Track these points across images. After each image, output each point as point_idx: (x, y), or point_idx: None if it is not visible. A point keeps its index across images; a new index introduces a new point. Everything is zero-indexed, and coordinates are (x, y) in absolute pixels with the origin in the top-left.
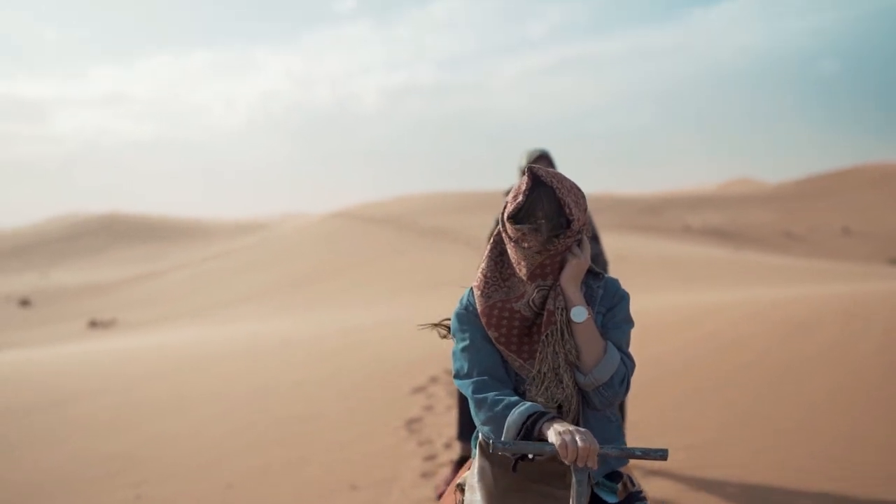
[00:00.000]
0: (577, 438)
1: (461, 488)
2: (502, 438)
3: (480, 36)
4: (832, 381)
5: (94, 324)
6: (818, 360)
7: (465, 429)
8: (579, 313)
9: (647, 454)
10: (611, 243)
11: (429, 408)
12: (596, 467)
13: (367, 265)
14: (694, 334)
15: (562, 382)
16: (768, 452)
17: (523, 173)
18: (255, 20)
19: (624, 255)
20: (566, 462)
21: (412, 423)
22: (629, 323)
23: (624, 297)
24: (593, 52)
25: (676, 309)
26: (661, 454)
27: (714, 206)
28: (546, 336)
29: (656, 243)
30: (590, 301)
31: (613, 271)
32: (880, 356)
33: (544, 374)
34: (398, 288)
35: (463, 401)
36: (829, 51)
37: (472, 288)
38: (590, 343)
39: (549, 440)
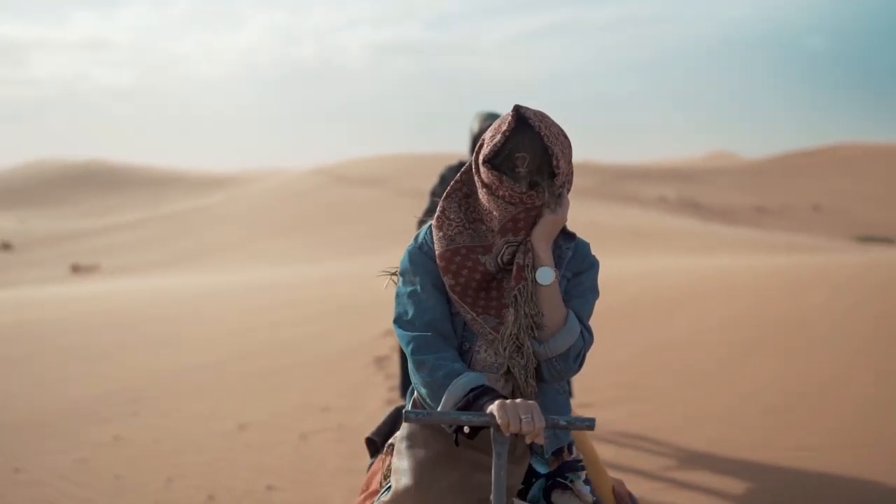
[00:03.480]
0: (521, 414)
1: (391, 449)
2: (439, 409)
3: None
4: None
5: (76, 268)
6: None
7: (407, 386)
8: (546, 275)
9: (573, 424)
10: (585, 210)
11: (396, 348)
12: (542, 442)
13: (344, 222)
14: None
15: (521, 348)
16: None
17: (473, 138)
18: None
19: (596, 221)
20: (506, 434)
21: (380, 361)
22: (595, 293)
23: (594, 265)
24: (581, 18)
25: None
26: (588, 423)
27: (691, 178)
28: (517, 293)
29: (629, 212)
30: (558, 262)
31: (583, 235)
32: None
33: (514, 335)
34: (373, 245)
35: (404, 356)
36: (817, 27)
37: (430, 226)
38: (552, 309)
39: (489, 411)
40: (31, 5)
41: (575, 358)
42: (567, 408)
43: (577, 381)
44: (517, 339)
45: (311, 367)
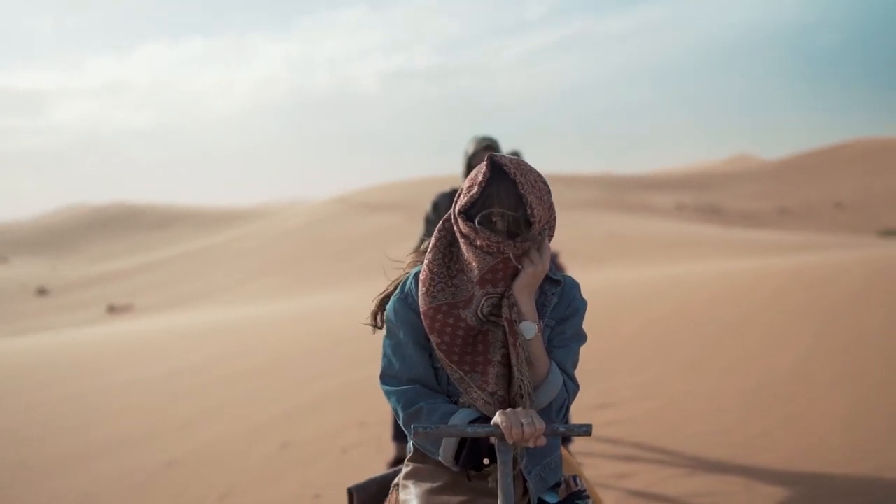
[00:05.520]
0: (522, 418)
1: (396, 488)
2: (441, 448)
3: (478, 18)
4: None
5: (112, 309)
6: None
7: (401, 429)
8: (528, 329)
9: (571, 430)
10: (603, 222)
11: None
12: (544, 443)
13: (368, 248)
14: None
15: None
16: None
17: (468, 161)
18: (249, 6)
19: (614, 232)
20: (509, 441)
21: None
22: (579, 340)
23: (578, 310)
24: (590, 31)
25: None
26: (585, 430)
27: (710, 184)
28: (517, 353)
29: (647, 221)
30: (541, 310)
31: (603, 248)
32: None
33: (525, 394)
34: (400, 269)
35: None
36: (829, 22)
37: (416, 272)
38: (535, 364)
39: (493, 422)
40: (48, 54)
41: (558, 410)
42: (555, 445)
43: (597, 384)
44: (521, 400)
45: (346, 387)
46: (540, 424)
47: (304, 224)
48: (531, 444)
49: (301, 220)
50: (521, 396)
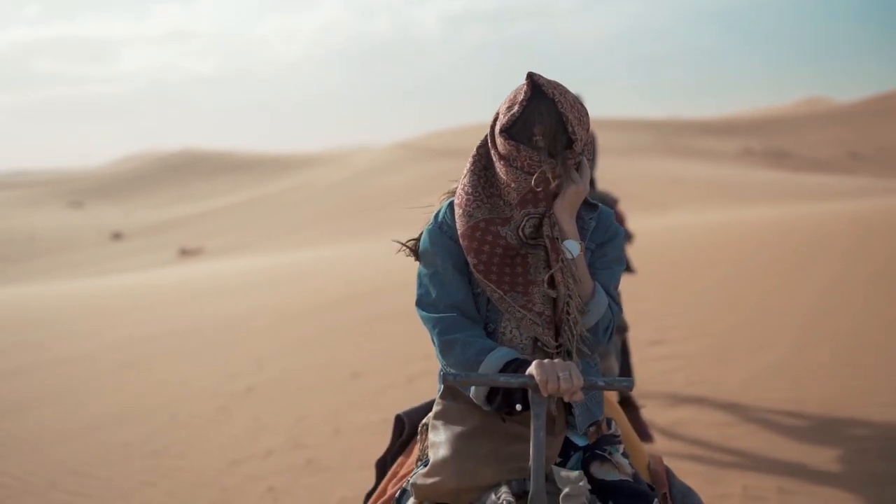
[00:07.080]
0: (559, 372)
1: (425, 428)
2: (472, 388)
3: None
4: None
5: (184, 252)
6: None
7: None
8: (572, 247)
9: (611, 384)
10: (666, 167)
11: None
12: (582, 399)
13: (430, 194)
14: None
15: (574, 325)
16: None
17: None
18: None
19: (677, 177)
20: (544, 394)
21: None
22: (620, 263)
23: (618, 234)
24: None
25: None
26: (626, 384)
27: (778, 128)
28: (560, 270)
29: (712, 167)
30: (581, 234)
31: (665, 193)
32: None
33: (570, 315)
34: None
35: None
36: None
37: (450, 202)
38: (580, 283)
39: (528, 372)
40: (115, 3)
41: (604, 331)
42: (595, 376)
43: (652, 321)
44: (569, 317)
45: (411, 325)
46: (578, 380)
47: (367, 170)
48: (566, 399)
49: (364, 165)
50: (569, 313)
